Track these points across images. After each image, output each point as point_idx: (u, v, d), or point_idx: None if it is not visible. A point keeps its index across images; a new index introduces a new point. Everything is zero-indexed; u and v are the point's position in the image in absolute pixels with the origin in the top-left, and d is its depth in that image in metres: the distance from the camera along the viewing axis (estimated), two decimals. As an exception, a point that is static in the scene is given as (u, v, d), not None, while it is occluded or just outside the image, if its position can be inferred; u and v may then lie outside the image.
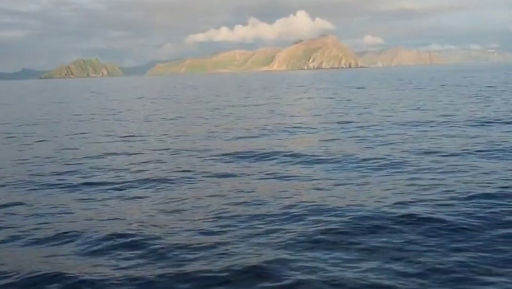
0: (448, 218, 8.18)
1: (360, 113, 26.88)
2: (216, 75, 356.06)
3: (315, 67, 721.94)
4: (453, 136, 16.88)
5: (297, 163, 13.26)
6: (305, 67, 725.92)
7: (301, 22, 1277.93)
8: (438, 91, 42.92)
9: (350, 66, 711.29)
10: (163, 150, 16.55)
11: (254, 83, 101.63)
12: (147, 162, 14.34)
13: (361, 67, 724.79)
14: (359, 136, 17.89)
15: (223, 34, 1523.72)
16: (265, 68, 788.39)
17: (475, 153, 13.58)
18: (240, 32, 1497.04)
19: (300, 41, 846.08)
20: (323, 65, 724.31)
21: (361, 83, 78.85)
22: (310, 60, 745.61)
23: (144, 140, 19.16)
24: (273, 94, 51.62)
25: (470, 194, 9.46)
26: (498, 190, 9.68)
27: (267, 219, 8.58)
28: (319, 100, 40.97)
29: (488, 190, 9.62)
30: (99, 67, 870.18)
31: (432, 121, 21.51)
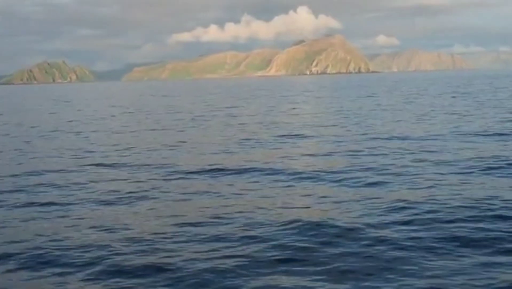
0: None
1: (356, 123, 27.55)
2: (203, 81, 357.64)
3: (319, 72, 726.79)
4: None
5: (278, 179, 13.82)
6: (308, 72, 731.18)
7: (303, 20, 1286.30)
8: (463, 104, 43.51)
9: (359, 71, 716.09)
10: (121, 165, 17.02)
11: (243, 91, 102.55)
12: (105, 179, 14.78)
13: (373, 72, 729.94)
14: (342, 152, 18.48)
15: (212, 33, 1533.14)
16: (261, 73, 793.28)
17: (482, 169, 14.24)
18: (232, 31, 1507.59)
19: (302, 42, 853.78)
20: (329, 69, 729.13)
21: (370, 90, 79.84)
22: (313, 64, 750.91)
23: (106, 155, 19.61)
24: (261, 104, 52.27)
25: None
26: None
27: (225, 239, 9.12)
28: (313, 110, 41.63)
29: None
30: (67, 72, 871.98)
31: (438, 135, 22.20)
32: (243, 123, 30.74)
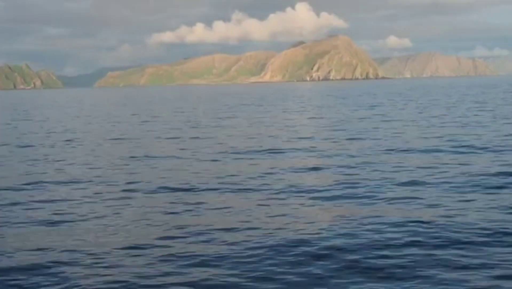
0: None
1: (350, 138, 27.99)
2: (187, 88, 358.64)
3: (321, 78, 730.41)
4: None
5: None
6: (308, 78, 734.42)
7: (302, 18, 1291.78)
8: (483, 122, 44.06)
9: (367, 77, 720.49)
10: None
11: (230, 98, 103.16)
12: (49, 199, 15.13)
13: (383, 78, 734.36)
14: (329, 167, 19.07)
15: (198, 33, 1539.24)
16: (254, 79, 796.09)
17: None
18: (221, 30, 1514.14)
19: (301, 43, 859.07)
20: (332, 75, 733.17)
21: (376, 99, 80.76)
22: (314, 69, 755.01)
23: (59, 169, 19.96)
24: (247, 114, 52.73)
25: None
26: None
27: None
28: (305, 122, 42.10)
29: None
30: (31, 76, 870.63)
31: (438, 148, 22.63)
32: (221, 136, 31.16)
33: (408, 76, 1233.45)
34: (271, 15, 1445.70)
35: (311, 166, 19.46)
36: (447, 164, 18.89)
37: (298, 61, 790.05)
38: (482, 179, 15.93)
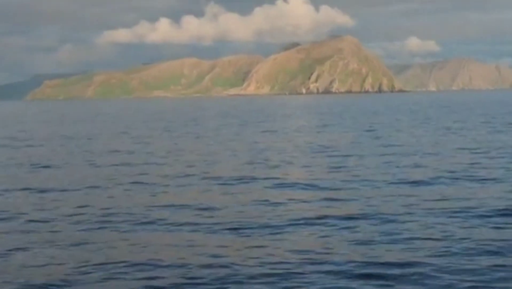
0: None
1: (335, 168, 29.82)
2: (146, 102, 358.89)
3: (321, 90, 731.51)
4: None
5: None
6: (304, 90, 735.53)
7: (297, 13, 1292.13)
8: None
9: (380, 90, 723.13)
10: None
11: (191, 113, 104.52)
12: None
13: (401, 91, 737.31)
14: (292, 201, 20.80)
15: (162, 31, 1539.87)
16: (234, 90, 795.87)
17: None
18: (192, 28, 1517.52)
19: (296, 45, 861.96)
20: (335, 86, 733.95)
21: (386, 118, 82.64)
22: (312, 78, 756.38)
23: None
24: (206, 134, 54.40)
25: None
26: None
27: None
28: (283, 146, 43.90)
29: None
30: None
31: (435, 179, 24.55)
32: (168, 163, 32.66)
33: (433, 89, 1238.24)
34: (257, 9, 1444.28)
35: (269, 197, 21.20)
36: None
37: (291, 69, 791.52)
38: None
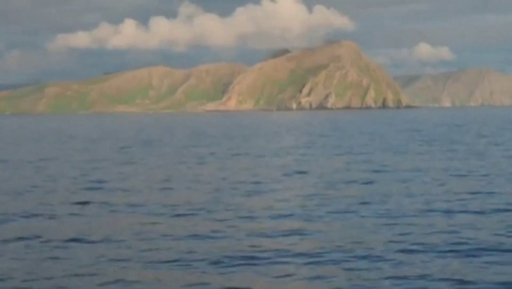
0: None
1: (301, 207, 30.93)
2: (106, 118, 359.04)
3: (314, 105, 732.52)
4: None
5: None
6: (294, 105, 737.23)
7: (287, 14, 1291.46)
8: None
9: (384, 105, 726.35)
10: None
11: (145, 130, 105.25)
12: None
13: (409, 107, 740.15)
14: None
15: (127, 34, 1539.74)
16: (212, 105, 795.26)
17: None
18: (163, 31, 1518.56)
19: (285, 52, 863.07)
20: (331, 101, 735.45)
21: (381, 143, 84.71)
22: (305, 92, 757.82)
23: None
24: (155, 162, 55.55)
25: None
26: None
27: None
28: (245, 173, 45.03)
29: None
30: None
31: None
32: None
33: (448, 104, 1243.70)
34: (239, 9, 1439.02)
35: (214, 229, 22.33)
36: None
37: (279, 80, 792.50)
38: None
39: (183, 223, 25.69)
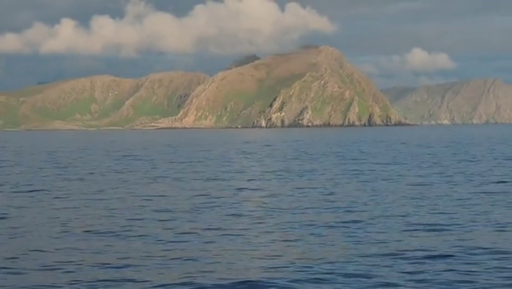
0: None
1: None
2: (36, 136, 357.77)
3: (287, 122, 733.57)
4: None
5: None
6: (263, 123, 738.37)
7: (254, 14, 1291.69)
8: None
9: (371, 123, 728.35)
10: None
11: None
12: None
13: (400, 124, 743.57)
14: None
15: (65, 37, 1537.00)
16: (166, 122, 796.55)
17: None
18: (108, 33, 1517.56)
19: (253, 59, 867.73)
20: (307, 117, 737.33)
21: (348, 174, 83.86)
22: (276, 106, 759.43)
23: None
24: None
25: None
26: None
27: None
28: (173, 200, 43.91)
29: None
30: None
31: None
32: None
33: (446, 121, 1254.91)
34: (198, 7, 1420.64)
35: None
36: None
37: (246, 92, 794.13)
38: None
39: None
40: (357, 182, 64.52)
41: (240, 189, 58.95)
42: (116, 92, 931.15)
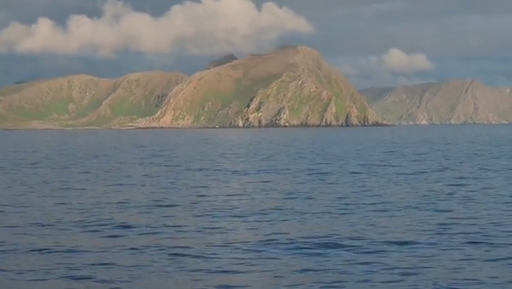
0: None
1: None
2: (11, 136, 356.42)
3: (265, 122, 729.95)
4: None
5: None
6: (241, 122, 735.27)
7: (232, 14, 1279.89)
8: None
9: (348, 123, 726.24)
10: None
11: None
12: None
13: (377, 124, 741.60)
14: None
15: (41, 36, 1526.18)
16: (143, 121, 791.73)
17: None
18: (85, 33, 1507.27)
19: (230, 59, 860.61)
20: (284, 118, 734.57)
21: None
22: (253, 106, 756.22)
23: None
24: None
25: None
26: None
27: None
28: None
29: None
30: None
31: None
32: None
33: (424, 121, 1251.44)
34: (175, 8, 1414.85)
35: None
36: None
37: (223, 92, 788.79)
38: None
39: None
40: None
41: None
42: (94, 92, 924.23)
